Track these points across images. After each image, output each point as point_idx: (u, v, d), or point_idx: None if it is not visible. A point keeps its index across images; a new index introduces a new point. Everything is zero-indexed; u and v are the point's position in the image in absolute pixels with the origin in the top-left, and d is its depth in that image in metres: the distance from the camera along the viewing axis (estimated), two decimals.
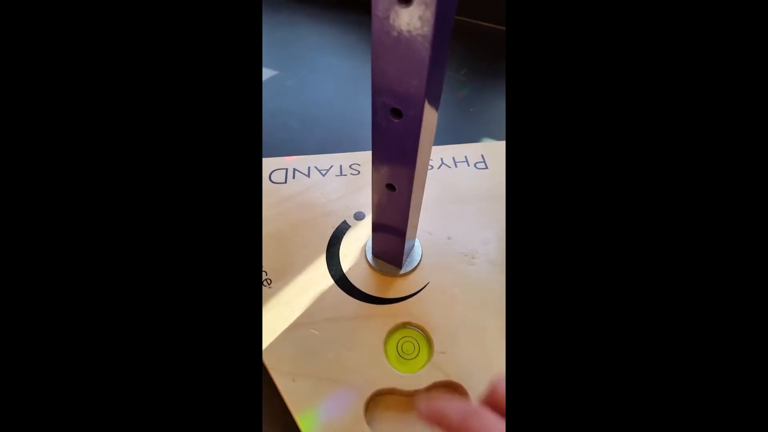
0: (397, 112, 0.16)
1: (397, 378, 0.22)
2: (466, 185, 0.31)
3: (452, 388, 0.22)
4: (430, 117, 0.17)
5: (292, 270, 0.26)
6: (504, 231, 0.28)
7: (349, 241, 0.27)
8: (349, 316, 0.24)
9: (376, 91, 0.16)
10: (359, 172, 0.31)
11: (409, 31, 0.13)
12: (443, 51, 0.14)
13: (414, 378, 0.22)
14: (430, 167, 0.32)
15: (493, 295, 0.25)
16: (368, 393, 0.21)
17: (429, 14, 0.12)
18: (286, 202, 0.29)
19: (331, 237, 0.28)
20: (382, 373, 0.22)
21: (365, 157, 0.33)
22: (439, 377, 0.22)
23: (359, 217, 0.29)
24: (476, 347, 0.23)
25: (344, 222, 0.28)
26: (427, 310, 0.24)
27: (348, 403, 0.21)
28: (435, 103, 0.16)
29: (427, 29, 0.13)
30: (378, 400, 0.22)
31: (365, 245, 0.27)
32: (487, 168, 0.32)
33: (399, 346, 0.23)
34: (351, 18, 0.54)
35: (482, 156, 0.33)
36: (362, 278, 0.26)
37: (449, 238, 0.28)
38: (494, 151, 0.34)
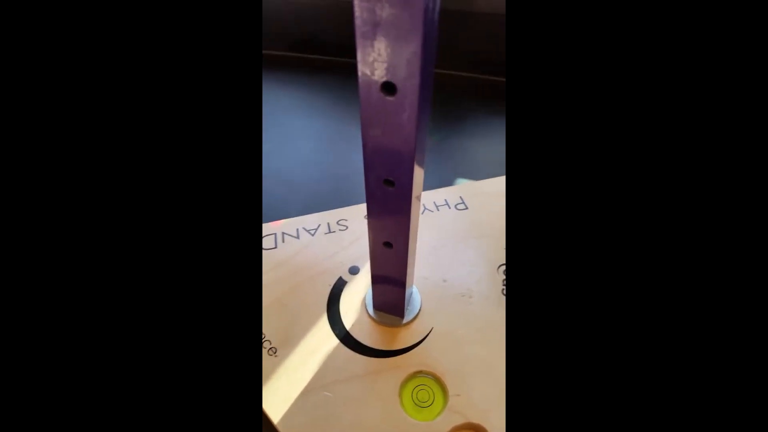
0: (390, 183, 0.18)
1: (417, 428, 0.22)
2: (451, 227, 0.33)
3: (473, 428, 0.23)
4: (418, 179, 0.18)
5: (296, 335, 0.26)
6: (493, 266, 0.30)
7: (348, 297, 0.28)
8: (360, 374, 0.24)
9: (369, 167, 0.17)
10: (347, 227, 0.33)
11: (396, 121, 0.15)
12: (425, 124, 0.16)
13: (433, 425, 0.22)
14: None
15: (496, 330, 0.26)
16: None
17: (414, 101, 0.14)
18: (280, 267, 0.30)
19: (329, 295, 0.28)
20: (403, 426, 0.22)
21: (351, 213, 0.34)
22: (458, 420, 0.22)
23: (354, 271, 0.30)
24: (488, 384, 0.24)
25: (340, 278, 0.29)
26: (436, 356, 0.25)
27: None
28: (421, 166, 0.18)
29: (413, 115, 0.15)
30: None
31: (365, 299, 0.28)
32: (467, 208, 0.34)
33: (414, 395, 0.24)
34: (318, 80, 0.57)
35: (461, 197, 0.35)
36: (367, 333, 0.26)
37: (445, 281, 0.29)
38: (471, 191, 0.36)
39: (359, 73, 0.14)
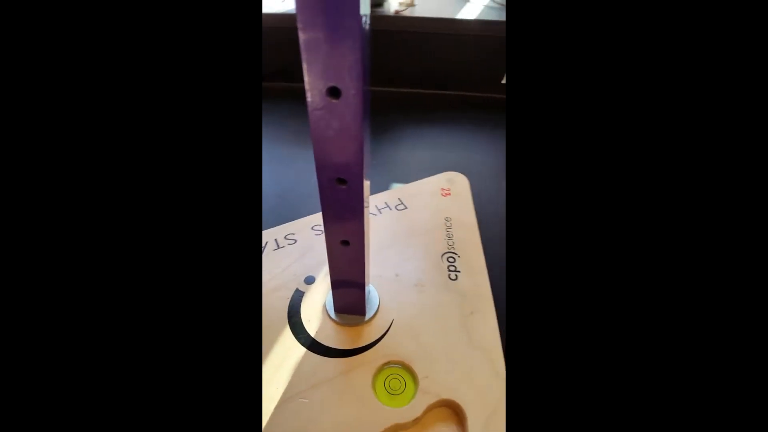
0: (342, 181, 0.19)
1: (395, 414, 0.23)
2: (395, 226, 0.35)
3: (447, 404, 0.24)
4: (366, 176, 0.20)
5: (263, 349, 0.26)
6: (437, 256, 0.32)
7: (307, 306, 0.29)
8: (331, 376, 0.25)
9: (321, 169, 0.19)
10: (296, 241, 0.33)
11: (342, 121, 0.16)
12: (367, 124, 0.18)
13: (410, 408, 0.24)
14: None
15: (450, 312, 0.28)
16: None
17: (357, 102, 0.16)
18: None
19: (288, 308, 0.28)
20: (381, 415, 0.23)
21: (297, 226, 0.34)
22: (431, 399, 0.24)
23: (310, 281, 0.30)
24: (452, 362, 0.26)
25: (297, 290, 0.29)
26: (400, 345, 0.26)
27: None
28: (368, 164, 0.20)
29: (357, 115, 0.16)
30: None
31: (325, 305, 0.29)
32: (406, 208, 0.37)
33: (386, 385, 0.25)
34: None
35: (399, 199, 0.37)
36: (332, 336, 0.27)
37: (397, 275, 0.31)
38: (408, 192, 0.38)
39: (306, 82, 0.16)
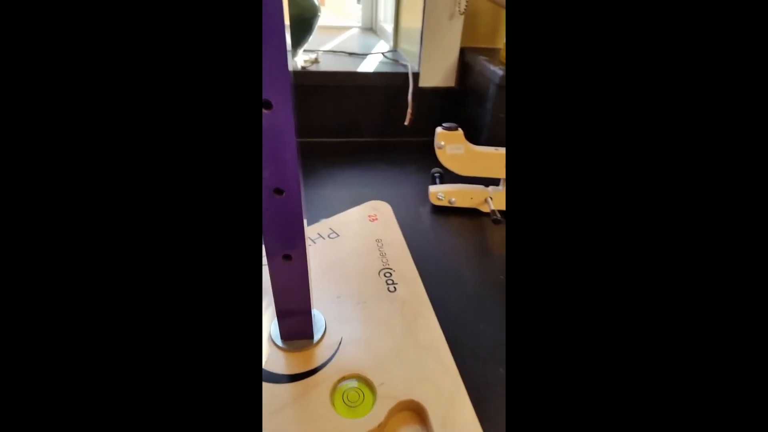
0: (279, 191, 0.20)
1: (359, 425, 0.23)
2: (331, 253, 0.36)
3: (406, 405, 0.25)
4: (300, 190, 0.22)
5: None
6: (374, 273, 0.34)
7: None
8: (289, 402, 0.24)
9: (262, 178, 0.20)
10: None
11: (277, 131, 0.18)
12: (297, 136, 0.20)
13: (372, 416, 0.24)
14: None
15: (393, 321, 0.30)
16: None
17: (288, 112, 0.18)
18: None
19: None
20: (346, 428, 0.23)
21: None
22: (391, 403, 0.24)
23: None
24: (404, 366, 0.27)
25: None
26: (352, 359, 0.27)
27: None
28: (301, 180, 0.21)
29: (289, 122, 0.18)
30: None
31: (270, 334, 0.28)
32: (338, 236, 0.38)
33: (345, 398, 0.25)
34: None
35: (331, 229, 0.39)
36: (282, 363, 0.26)
37: (339, 297, 0.31)
38: (338, 222, 0.40)
39: None
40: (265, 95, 0.17)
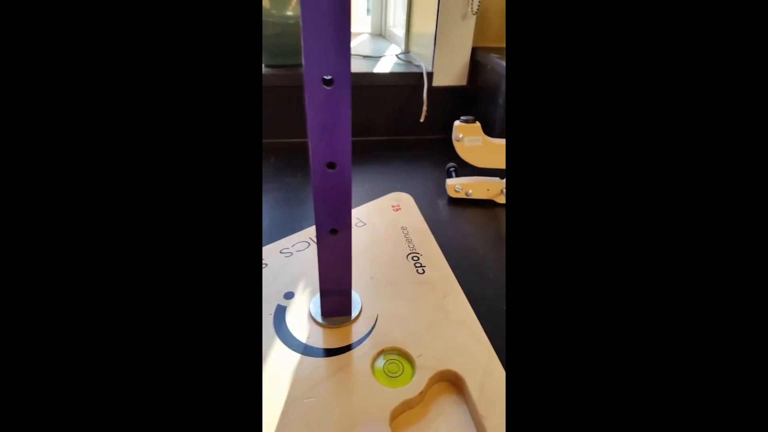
0: (332, 165, 0.22)
1: (401, 393, 0.24)
2: (359, 241, 0.37)
3: (444, 375, 0.26)
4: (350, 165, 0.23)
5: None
6: (402, 257, 0.35)
7: (293, 317, 0.29)
8: (331, 373, 0.25)
9: (315, 154, 0.21)
10: (267, 264, 0.33)
11: (334, 108, 0.20)
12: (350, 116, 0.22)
13: (413, 385, 0.25)
14: None
15: (424, 301, 0.31)
16: (387, 418, 0.23)
17: (346, 89, 0.19)
18: None
19: (274, 322, 0.28)
20: (389, 397, 0.24)
21: (265, 252, 0.35)
22: (430, 373, 0.25)
23: (289, 296, 0.31)
24: (438, 339, 0.28)
25: (278, 306, 0.30)
26: (390, 334, 0.28)
27: None
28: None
29: (346, 101, 0.20)
30: (396, 424, 0.23)
31: (310, 313, 0.29)
32: (365, 224, 0.39)
33: (386, 370, 0.26)
34: None
35: (357, 218, 0.40)
36: (324, 339, 0.27)
37: (372, 278, 0.33)
38: (364, 212, 0.42)
39: (306, 73, 0.19)
40: (328, 72, 0.19)
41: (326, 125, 0.20)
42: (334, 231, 0.24)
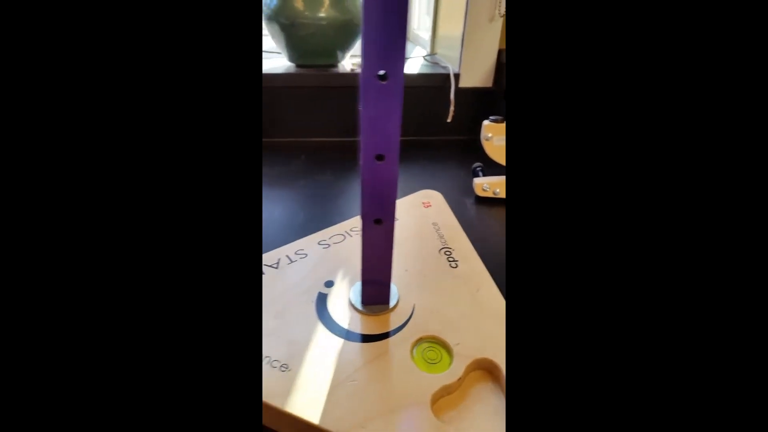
0: (380, 157, 0.23)
1: (441, 378, 0.25)
2: (395, 236, 0.38)
3: (481, 363, 0.27)
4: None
5: (299, 349, 0.27)
6: (435, 251, 0.36)
7: (334, 304, 0.30)
8: (373, 358, 0.26)
9: (366, 147, 0.22)
10: (306, 255, 0.35)
11: (387, 102, 0.21)
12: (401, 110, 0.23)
13: (451, 372, 0.26)
14: (357, 233, 0.39)
15: (458, 293, 0.32)
16: (428, 401, 0.24)
17: (400, 85, 0.20)
18: None
19: (317, 308, 0.30)
20: (428, 381, 0.25)
21: (304, 243, 0.36)
22: (467, 360, 0.26)
23: (329, 284, 0.32)
24: (473, 329, 0.29)
25: (319, 293, 0.31)
26: (427, 323, 0.29)
27: (419, 419, 0.23)
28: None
29: (399, 96, 0.21)
30: (436, 408, 0.24)
31: (350, 301, 0.30)
32: (397, 220, 0.40)
33: (424, 356, 0.27)
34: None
35: None
36: (364, 325, 0.28)
37: (406, 270, 0.34)
38: (397, 207, 0.42)
39: (362, 68, 0.20)
40: (382, 68, 0.20)
41: (378, 119, 0.21)
42: (378, 221, 0.25)
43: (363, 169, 0.23)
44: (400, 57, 0.20)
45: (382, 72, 0.20)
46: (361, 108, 0.21)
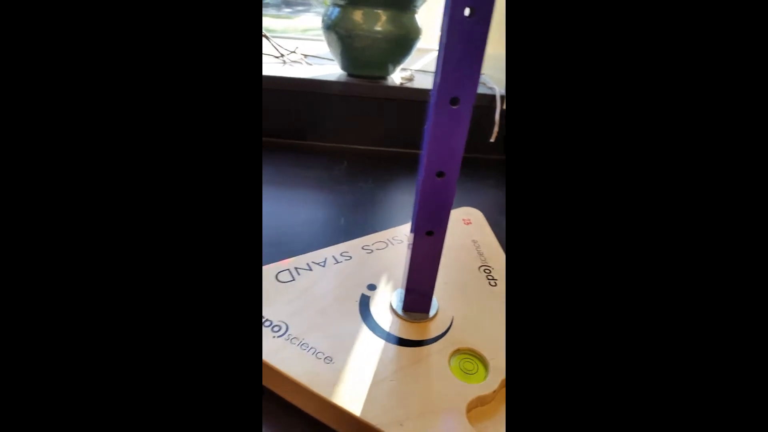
0: (441, 174, 0.24)
1: (476, 389, 0.26)
2: None
3: None
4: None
5: (343, 344, 0.28)
6: (474, 268, 0.37)
7: (376, 307, 0.32)
8: (412, 362, 0.28)
9: (428, 163, 0.24)
10: (351, 257, 0.37)
11: (456, 124, 0.22)
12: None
13: (487, 383, 0.27)
14: (399, 241, 0.40)
15: (496, 310, 0.33)
16: (464, 408, 0.25)
17: (469, 109, 0.22)
18: (305, 294, 0.32)
19: (360, 310, 0.31)
20: (466, 390, 0.26)
21: (349, 246, 0.38)
22: (503, 375, 0.27)
23: (372, 288, 0.33)
24: None
25: (363, 295, 0.33)
26: (465, 335, 0.30)
27: (455, 423, 0.24)
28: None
29: (467, 118, 0.22)
30: (470, 416, 0.25)
31: (391, 306, 0.32)
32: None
33: (461, 366, 0.28)
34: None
35: None
36: (404, 330, 0.30)
37: (446, 283, 0.35)
38: None
39: (437, 92, 0.22)
40: (455, 93, 0.22)
41: (443, 138, 0.23)
42: (430, 233, 0.27)
43: (422, 183, 0.25)
44: (474, 84, 0.21)
45: (455, 97, 0.22)
46: (427, 126, 0.23)
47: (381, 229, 0.42)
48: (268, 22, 1.13)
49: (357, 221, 0.49)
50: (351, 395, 0.25)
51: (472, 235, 0.43)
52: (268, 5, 1.16)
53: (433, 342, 0.29)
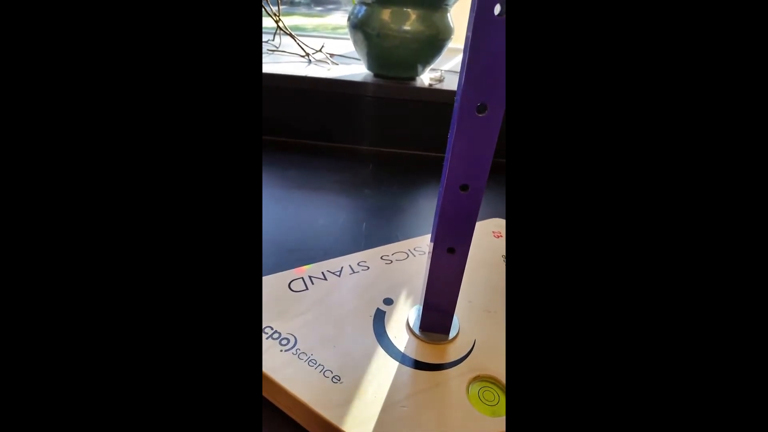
0: (465, 187, 0.22)
1: (495, 423, 0.24)
2: None
3: None
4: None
5: (353, 362, 0.27)
6: (501, 288, 0.35)
7: (391, 324, 0.30)
8: (426, 388, 0.26)
9: (452, 175, 0.22)
10: (368, 267, 0.35)
11: (483, 132, 0.20)
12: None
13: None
14: (421, 252, 0.38)
15: None
16: None
17: (498, 117, 0.20)
18: (319, 304, 0.30)
19: (374, 325, 0.30)
20: (482, 423, 0.24)
21: (367, 255, 0.37)
22: None
23: (388, 302, 0.32)
24: None
25: (378, 310, 0.31)
26: (487, 361, 0.28)
27: None
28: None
29: (496, 127, 0.20)
30: None
31: (408, 323, 0.30)
32: None
33: (481, 396, 0.26)
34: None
35: None
36: (420, 351, 0.28)
37: (470, 302, 0.33)
38: None
39: (461, 99, 0.20)
40: (482, 99, 0.19)
41: (469, 150, 0.21)
42: (451, 250, 0.25)
43: (444, 196, 0.23)
44: (502, 88, 0.19)
45: (480, 103, 0.20)
46: (451, 136, 0.21)
47: (404, 237, 0.40)
48: (298, 21, 1.13)
49: (380, 227, 0.48)
50: (357, 419, 0.23)
51: (502, 249, 0.40)
52: (300, 4, 1.16)
53: (451, 366, 0.27)
